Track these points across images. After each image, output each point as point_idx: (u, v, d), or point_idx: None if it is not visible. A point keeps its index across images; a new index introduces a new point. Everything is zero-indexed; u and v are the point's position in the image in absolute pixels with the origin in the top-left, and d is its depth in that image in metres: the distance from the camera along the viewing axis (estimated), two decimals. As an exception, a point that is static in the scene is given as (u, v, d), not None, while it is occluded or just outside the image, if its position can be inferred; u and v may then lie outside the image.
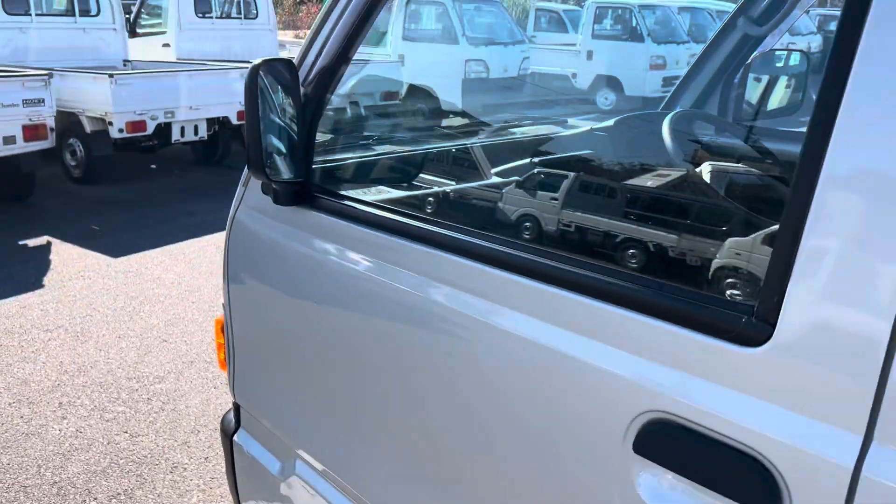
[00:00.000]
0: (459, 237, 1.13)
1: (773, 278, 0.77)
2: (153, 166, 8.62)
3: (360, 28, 1.32)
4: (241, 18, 10.67)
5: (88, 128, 7.23)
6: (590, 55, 13.37)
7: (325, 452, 1.47)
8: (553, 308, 0.98)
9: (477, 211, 1.69)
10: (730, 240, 1.13)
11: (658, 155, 1.55)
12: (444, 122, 2.23)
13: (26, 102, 6.28)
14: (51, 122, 6.45)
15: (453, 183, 1.73)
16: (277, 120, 1.34)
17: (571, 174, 1.48)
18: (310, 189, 1.40)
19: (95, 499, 2.73)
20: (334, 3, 1.35)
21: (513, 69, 11.41)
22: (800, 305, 0.75)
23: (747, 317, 0.79)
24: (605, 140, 1.80)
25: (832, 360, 0.73)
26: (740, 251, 1.10)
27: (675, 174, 1.51)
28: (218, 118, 7.85)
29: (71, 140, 7.47)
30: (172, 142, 7.69)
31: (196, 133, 7.75)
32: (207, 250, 5.56)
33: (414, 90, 3.14)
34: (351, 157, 1.69)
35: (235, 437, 1.78)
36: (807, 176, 0.73)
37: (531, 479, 1.02)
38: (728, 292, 1.02)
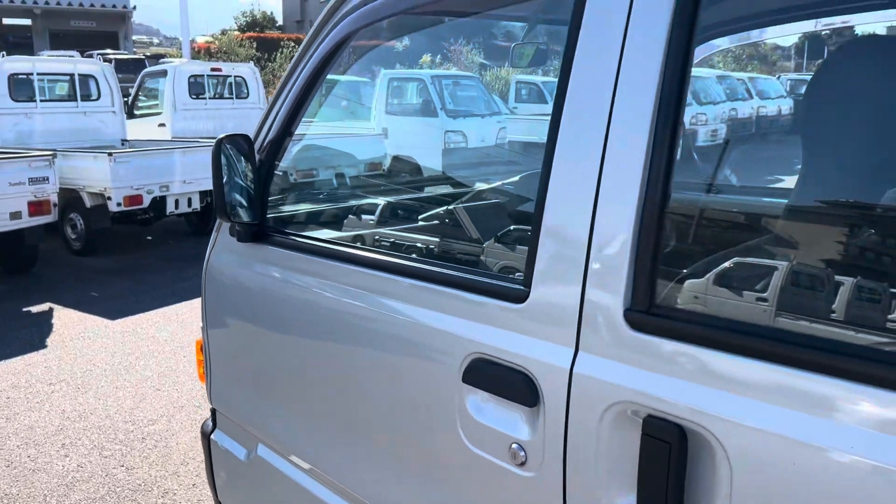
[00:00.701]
0: (354, 252, 1.62)
1: (529, 265, 1.24)
2: (149, 238, 9.12)
3: (296, 112, 1.82)
4: (232, 99, 11.38)
5: (88, 203, 7.76)
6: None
7: (280, 435, 1.90)
8: (414, 294, 1.45)
9: (366, 235, 2.25)
10: (516, 245, 1.67)
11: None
12: (360, 181, 2.93)
13: (32, 181, 6.82)
14: (54, 199, 6.98)
15: (356, 220, 2.32)
16: (239, 180, 1.83)
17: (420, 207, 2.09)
18: (263, 229, 1.87)
19: (95, 519, 3.10)
20: (277, 96, 1.85)
21: (490, 139, 12.08)
22: (540, 279, 1.21)
23: (518, 286, 1.26)
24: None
25: (557, 309, 1.19)
26: (516, 252, 1.61)
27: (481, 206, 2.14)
28: (210, 191, 8.39)
29: (72, 215, 7.99)
30: (167, 214, 8.21)
31: (189, 205, 8.28)
32: (199, 311, 5.98)
33: (337, 157, 3.73)
34: (294, 204, 2.17)
35: (212, 436, 2.20)
36: (538, 211, 1.21)
37: (406, 408, 1.47)
38: (510, 274, 1.49)
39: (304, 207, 2.18)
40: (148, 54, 29.07)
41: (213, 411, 2.22)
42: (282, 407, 1.87)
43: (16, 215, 6.73)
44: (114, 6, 29.49)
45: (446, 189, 2.66)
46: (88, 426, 3.98)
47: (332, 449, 1.70)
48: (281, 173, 1.97)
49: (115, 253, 8.13)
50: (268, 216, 1.91)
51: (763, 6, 1.78)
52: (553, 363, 1.18)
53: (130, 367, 4.81)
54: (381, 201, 2.34)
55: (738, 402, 0.98)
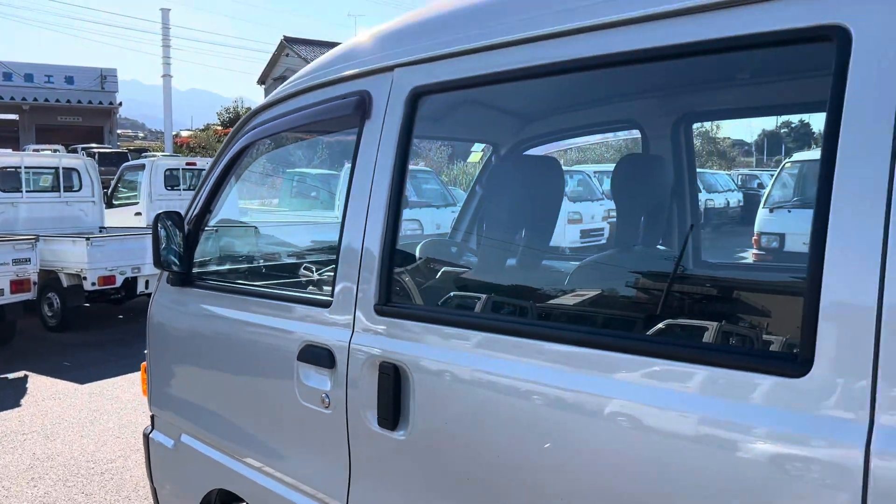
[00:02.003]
0: (238, 287, 2.45)
1: (333, 285, 2.07)
2: (120, 316, 9.82)
3: (212, 197, 2.67)
4: (205, 190, 12.30)
5: (65, 282, 8.51)
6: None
7: (196, 422, 2.65)
8: (267, 309, 2.26)
9: (247, 277, 3.08)
10: (323, 273, 2.51)
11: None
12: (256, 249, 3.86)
13: (15, 262, 7.59)
14: (34, 278, 7.73)
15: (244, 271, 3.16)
16: (173, 244, 2.65)
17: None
18: (189, 277, 2.68)
19: (57, 530, 3.75)
20: (201, 185, 2.71)
21: (445, 227, 13.10)
22: (339, 292, 2.04)
23: (326, 297, 2.08)
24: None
25: (343, 308, 2.01)
26: (323, 276, 2.45)
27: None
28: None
29: (49, 294, 8.72)
30: (138, 293, 8.96)
31: (159, 285, 9.03)
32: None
33: (245, 233, 4.74)
34: (208, 261, 3.00)
35: (150, 435, 2.94)
36: (337, 252, 2.06)
37: (266, 383, 2.25)
38: (321, 291, 2.32)
39: (214, 264, 3.01)
40: (132, 148, 30.29)
41: (152, 417, 2.96)
42: (197, 401, 2.63)
43: (-2, 292, 7.47)
44: (100, 102, 30.80)
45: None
46: (55, 465, 4.63)
47: (228, 424, 2.46)
48: (202, 239, 2.81)
49: (88, 329, 8.82)
50: (192, 268, 2.73)
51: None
52: (341, 340, 1.99)
53: (95, 421, 5.47)
54: (260, 260, 3.25)
55: (419, 348, 1.79)
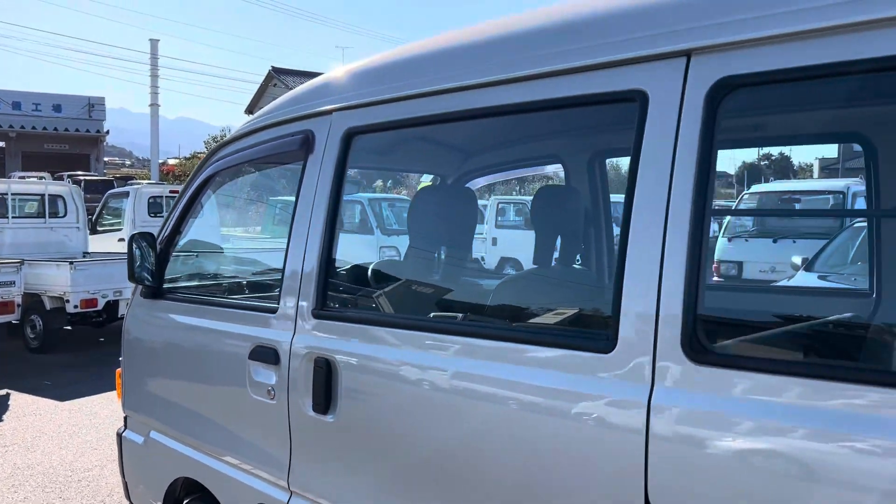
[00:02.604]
0: (198, 297, 2.81)
1: (279, 294, 2.43)
2: (101, 339, 10.07)
3: (181, 221, 3.03)
4: (188, 217, 12.65)
5: (48, 305, 8.78)
6: (494, 241, 15.61)
7: (163, 419, 2.98)
8: (226, 316, 2.62)
9: (204, 290, 3.44)
10: (273, 285, 2.87)
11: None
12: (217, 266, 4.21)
13: (0, 284, 7.88)
14: (18, 300, 8.02)
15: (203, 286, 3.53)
16: (147, 263, 3.01)
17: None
18: (160, 290, 3.03)
19: (35, 529, 4.03)
20: (171, 210, 3.07)
21: (421, 253, 13.48)
22: (284, 300, 2.40)
23: (273, 304, 2.44)
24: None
25: (287, 312, 2.37)
26: (272, 289, 2.80)
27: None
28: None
29: (32, 316, 8.98)
30: (119, 316, 9.24)
31: (140, 309, 9.33)
32: (138, 395, 6.96)
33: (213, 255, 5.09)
34: (177, 277, 3.35)
35: (123, 434, 3.26)
36: (283, 265, 2.42)
37: (223, 380, 2.59)
38: (269, 297, 2.69)
39: (182, 279, 3.37)
40: (118, 175, 30.53)
41: (125, 418, 3.29)
42: (165, 400, 2.97)
43: (-18, 314, 7.75)
44: (87, 130, 31.09)
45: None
46: (35, 473, 4.91)
47: (191, 420, 2.80)
48: (171, 258, 3.16)
49: (69, 351, 9.08)
50: (163, 283, 3.08)
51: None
52: (285, 340, 2.35)
53: (74, 434, 5.75)
54: (221, 276, 3.63)
55: (345, 344, 2.16)
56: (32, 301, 8.83)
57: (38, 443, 5.55)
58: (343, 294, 2.53)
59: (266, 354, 2.41)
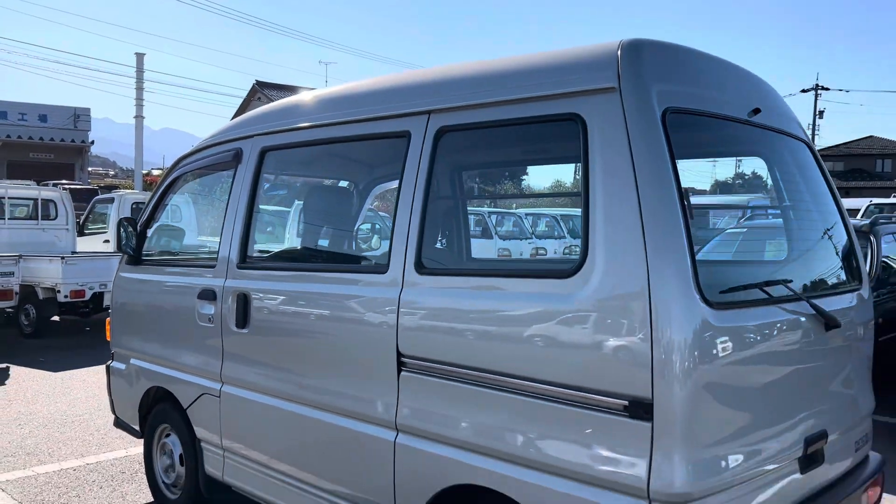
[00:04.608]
0: (164, 259, 4.09)
1: (216, 257, 3.71)
2: (87, 328, 11.25)
3: (154, 211, 4.29)
4: (168, 221, 13.87)
5: (41, 295, 9.97)
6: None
7: (140, 347, 4.23)
8: (183, 273, 3.90)
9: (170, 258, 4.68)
10: (215, 252, 4.14)
11: None
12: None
13: (1, 274, 9.06)
14: (16, 288, 9.20)
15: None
16: (130, 239, 4.27)
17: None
18: (139, 258, 4.29)
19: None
20: (147, 203, 4.33)
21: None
22: (220, 260, 3.67)
23: (214, 263, 3.72)
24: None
25: (222, 265, 3.64)
26: (213, 255, 4.09)
27: None
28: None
29: (27, 305, 10.16)
30: (104, 307, 10.42)
31: (122, 300, 10.53)
32: (120, 368, 8.17)
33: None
34: (152, 249, 4.61)
35: (110, 364, 4.51)
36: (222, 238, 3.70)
37: (179, 315, 3.85)
38: (211, 259, 3.99)
39: (154, 250, 4.64)
40: (101, 185, 31.50)
41: (112, 353, 4.54)
42: (141, 335, 4.23)
43: (-15, 300, 8.92)
44: (73, 140, 32.05)
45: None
46: (36, 416, 6.12)
47: (158, 345, 4.06)
48: (147, 236, 4.41)
49: (60, 337, 10.26)
50: (142, 254, 4.33)
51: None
52: (219, 285, 3.61)
53: (67, 393, 6.97)
54: (181, 247, 4.93)
55: (254, 283, 3.43)
56: (26, 292, 10.00)
57: (38, 398, 6.75)
58: (254, 255, 3.82)
59: (208, 294, 3.68)
